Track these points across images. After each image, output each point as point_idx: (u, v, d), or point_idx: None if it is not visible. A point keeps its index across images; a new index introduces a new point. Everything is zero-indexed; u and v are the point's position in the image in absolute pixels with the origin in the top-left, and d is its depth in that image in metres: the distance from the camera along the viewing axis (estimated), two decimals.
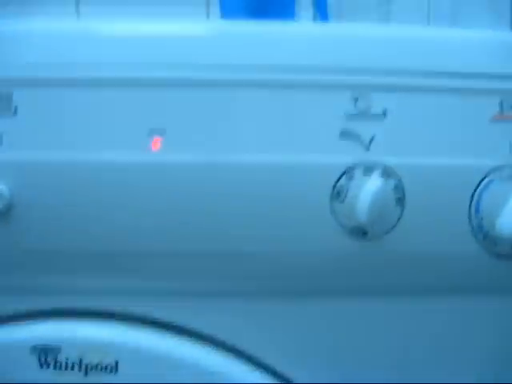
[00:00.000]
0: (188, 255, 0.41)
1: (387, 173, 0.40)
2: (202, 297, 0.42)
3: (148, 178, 0.40)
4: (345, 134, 0.40)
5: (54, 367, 0.41)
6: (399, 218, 0.41)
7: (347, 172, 0.40)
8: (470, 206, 0.41)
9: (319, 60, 0.41)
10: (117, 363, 0.41)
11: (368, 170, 0.40)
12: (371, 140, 0.41)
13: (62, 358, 0.41)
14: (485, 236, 0.41)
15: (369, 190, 0.39)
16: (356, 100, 0.41)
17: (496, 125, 0.42)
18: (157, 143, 0.40)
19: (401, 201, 0.40)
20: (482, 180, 0.41)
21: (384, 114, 0.41)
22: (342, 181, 0.40)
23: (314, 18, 0.64)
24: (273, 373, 0.43)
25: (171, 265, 0.41)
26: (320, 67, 0.41)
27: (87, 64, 0.40)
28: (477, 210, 0.41)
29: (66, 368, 0.41)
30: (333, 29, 0.42)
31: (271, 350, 0.43)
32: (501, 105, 0.42)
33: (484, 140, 0.42)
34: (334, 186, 0.40)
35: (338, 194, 0.40)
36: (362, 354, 0.44)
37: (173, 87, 0.40)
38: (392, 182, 0.40)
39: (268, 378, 0.43)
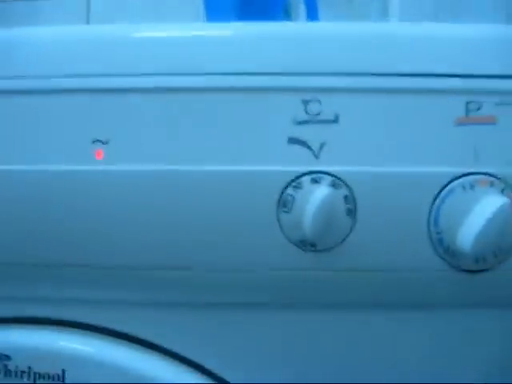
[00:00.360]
0: (131, 265, 0.40)
1: (337, 182, 0.38)
2: (150, 307, 0.41)
3: (93, 187, 0.39)
4: (293, 141, 0.38)
5: (5, 374, 0.41)
6: (350, 231, 0.38)
7: (294, 181, 0.38)
8: (428, 218, 0.38)
9: (265, 62, 0.38)
10: (63, 372, 0.41)
11: (316, 179, 0.38)
12: (321, 147, 0.38)
13: (12, 365, 0.41)
14: (445, 250, 0.38)
15: (315, 200, 0.37)
16: (305, 104, 0.38)
17: (460, 129, 0.39)
18: (100, 152, 0.39)
19: (352, 212, 0.38)
20: (443, 190, 0.38)
21: (336, 119, 0.38)
22: (289, 190, 0.38)
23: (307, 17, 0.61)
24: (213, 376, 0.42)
25: (116, 274, 0.40)
26: (267, 69, 0.38)
27: (31, 74, 0.39)
28: (436, 223, 0.38)
29: (16, 375, 0.41)
30: (279, 28, 0.39)
31: (215, 358, 0.42)
32: (466, 107, 0.39)
33: (446, 145, 0.38)
34: (281, 196, 0.38)
35: (285, 204, 0.38)
36: (304, 367, 0.42)
37: (116, 96, 0.39)
38: (342, 192, 0.38)
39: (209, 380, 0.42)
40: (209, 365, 0.42)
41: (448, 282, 0.39)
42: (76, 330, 0.42)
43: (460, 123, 0.39)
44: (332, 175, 0.38)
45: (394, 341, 0.42)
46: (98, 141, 0.39)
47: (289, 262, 0.39)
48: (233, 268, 0.39)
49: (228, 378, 0.42)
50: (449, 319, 0.42)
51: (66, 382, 0.40)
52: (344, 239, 0.38)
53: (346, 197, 0.38)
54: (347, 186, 0.38)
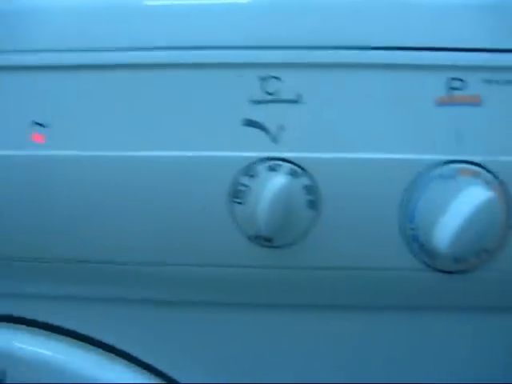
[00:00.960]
0: (71, 258, 0.36)
1: (297, 170, 0.33)
2: (93, 302, 0.38)
3: (31, 171, 0.35)
4: (248, 123, 0.34)
5: None
6: (312, 225, 0.34)
7: (249, 168, 0.34)
8: (401, 212, 0.34)
9: (217, 34, 0.34)
10: (4, 372, 0.38)
11: (274, 166, 0.33)
12: (280, 130, 0.34)
13: None
14: (421, 248, 0.34)
15: (270, 190, 0.33)
16: (263, 82, 0.34)
17: (440, 110, 0.34)
18: (39, 136, 0.35)
19: (314, 204, 0.34)
20: (419, 180, 0.33)
21: (297, 98, 0.34)
22: (243, 179, 0.34)
23: None
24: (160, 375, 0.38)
25: (57, 267, 0.37)
26: (218, 43, 0.34)
27: None
28: (410, 217, 0.34)
29: None
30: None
31: (161, 356, 0.38)
32: (448, 84, 0.34)
33: (424, 129, 0.34)
34: (233, 185, 0.34)
35: (238, 194, 0.34)
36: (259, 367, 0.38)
37: (54, 76, 0.35)
38: (303, 182, 0.33)
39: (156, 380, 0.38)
40: (159, 365, 0.38)
41: (424, 282, 0.35)
42: (19, 326, 0.39)
43: (441, 103, 0.34)
44: (291, 162, 0.33)
45: (362, 345, 0.38)
46: (38, 124, 0.35)
47: (243, 259, 0.35)
48: (183, 263, 0.35)
49: (178, 378, 0.38)
50: (425, 322, 0.37)
51: (8, 381, 0.38)
52: (305, 234, 0.34)
53: (306, 187, 0.33)
54: (308, 174, 0.33)
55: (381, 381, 0.37)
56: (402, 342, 0.38)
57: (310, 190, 0.33)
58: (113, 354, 0.38)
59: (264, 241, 0.34)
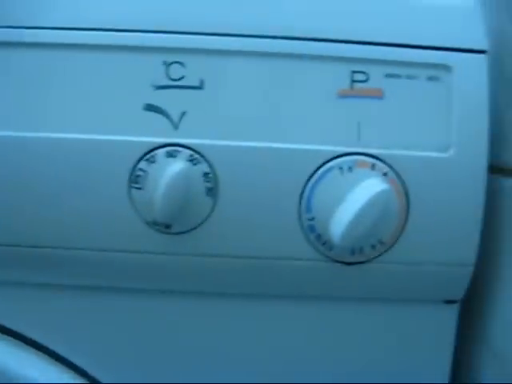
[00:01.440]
0: None
1: (196, 157, 0.33)
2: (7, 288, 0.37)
3: None
4: (150, 108, 0.34)
5: None
6: (211, 212, 0.34)
7: (148, 154, 0.33)
8: (300, 202, 0.34)
9: (122, 17, 0.34)
10: None
11: (172, 152, 0.33)
12: (181, 116, 0.34)
13: None
14: (317, 239, 0.34)
15: (168, 175, 0.32)
16: (167, 67, 0.34)
17: (343, 102, 0.34)
18: None
19: (212, 191, 0.34)
20: (317, 171, 0.34)
21: (200, 84, 0.34)
22: (142, 164, 0.33)
23: None
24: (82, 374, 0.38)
25: None
26: (123, 26, 0.34)
27: None
28: (308, 208, 0.34)
29: None
30: None
31: (85, 355, 0.38)
32: (351, 77, 0.34)
33: (326, 120, 0.34)
34: (133, 171, 0.34)
35: (136, 179, 0.34)
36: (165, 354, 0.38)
37: None
38: (202, 169, 0.33)
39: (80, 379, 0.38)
40: (79, 362, 0.38)
41: (322, 273, 0.35)
42: None
43: (343, 95, 0.34)
44: (190, 149, 0.33)
45: (261, 334, 0.38)
46: None
47: (142, 244, 0.35)
48: (85, 247, 0.35)
49: (98, 377, 0.38)
50: (324, 312, 0.37)
51: None
52: (203, 221, 0.34)
53: (205, 174, 0.33)
54: (207, 161, 0.33)
55: (277, 369, 0.38)
56: (300, 332, 0.38)
57: (209, 177, 0.33)
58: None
59: (162, 227, 0.34)
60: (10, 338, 0.38)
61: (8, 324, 0.38)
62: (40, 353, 0.38)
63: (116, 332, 0.37)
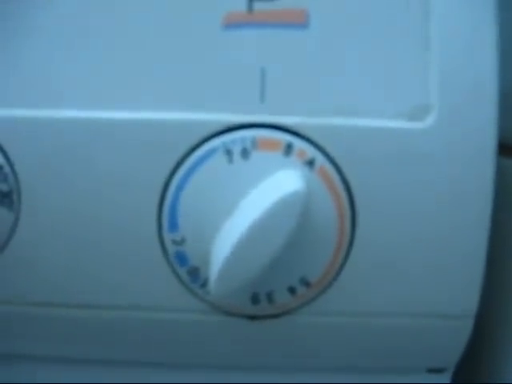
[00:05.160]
0: None
1: None
2: None
3: None
4: None
5: None
6: (13, 226, 0.20)
7: None
8: (159, 213, 0.19)
9: None
10: None
11: None
12: None
13: None
14: (191, 275, 0.19)
15: None
16: None
17: (233, 34, 0.19)
18: None
19: (10, 204, 0.19)
20: (186, 158, 0.19)
21: None
22: None
23: None
24: None
25: None
26: None
27: None
28: (172, 223, 0.19)
29: None
30: None
31: None
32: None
33: (203, 68, 0.19)
34: None
35: None
36: None
37: None
38: None
39: None
40: None
41: (213, 330, 0.21)
42: None
43: (235, 24, 0.19)
44: None
45: None
46: None
47: None
48: None
49: None
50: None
51: None
52: (8, 239, 0.20)
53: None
54: None
55: None
56: None
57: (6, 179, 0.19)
58: None
59: None
60: None
61: None
62: None
63: None
